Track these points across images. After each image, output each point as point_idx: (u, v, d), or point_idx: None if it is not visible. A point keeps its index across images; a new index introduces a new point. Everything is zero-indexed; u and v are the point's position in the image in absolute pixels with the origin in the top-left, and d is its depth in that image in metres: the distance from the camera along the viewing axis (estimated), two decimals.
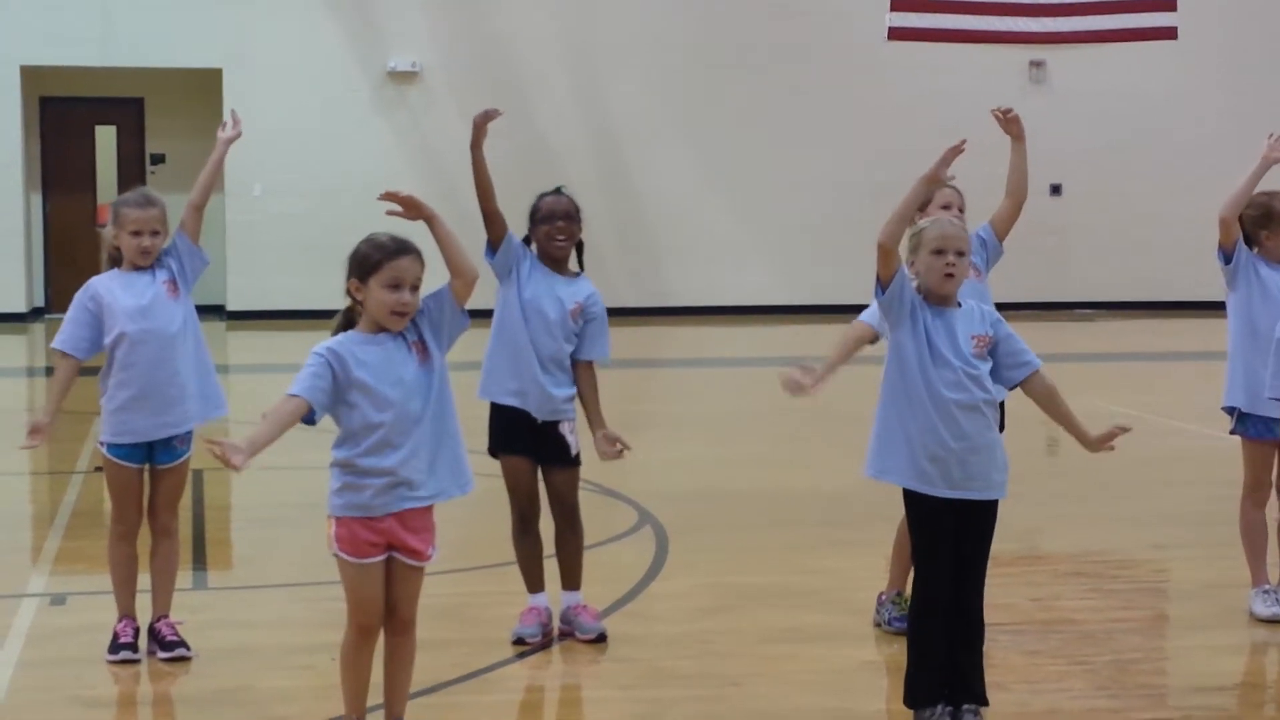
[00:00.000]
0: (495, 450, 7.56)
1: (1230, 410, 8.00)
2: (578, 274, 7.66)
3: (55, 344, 7.26)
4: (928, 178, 6.23)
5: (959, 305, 6.25)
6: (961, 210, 7.54)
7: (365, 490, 5.67)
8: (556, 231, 7.56)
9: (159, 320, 7.20)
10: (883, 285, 6.14)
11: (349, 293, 5.72)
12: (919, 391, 6.12)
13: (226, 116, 7.84)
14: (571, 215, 7.61)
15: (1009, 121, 7.84)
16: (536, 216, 7.64)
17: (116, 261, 7.31)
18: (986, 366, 6.19)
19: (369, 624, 5.78)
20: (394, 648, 5.89)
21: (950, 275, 6.19)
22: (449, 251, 5.74)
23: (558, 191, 7.73)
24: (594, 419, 7.50)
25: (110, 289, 7.23)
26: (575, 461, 7.56)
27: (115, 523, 7.34)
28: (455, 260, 5.75)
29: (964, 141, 6.35)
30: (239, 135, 7.64)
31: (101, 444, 7.31)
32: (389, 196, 5.73)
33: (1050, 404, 6.26)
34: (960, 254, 6.21)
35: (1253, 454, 7.98)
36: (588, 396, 7.55)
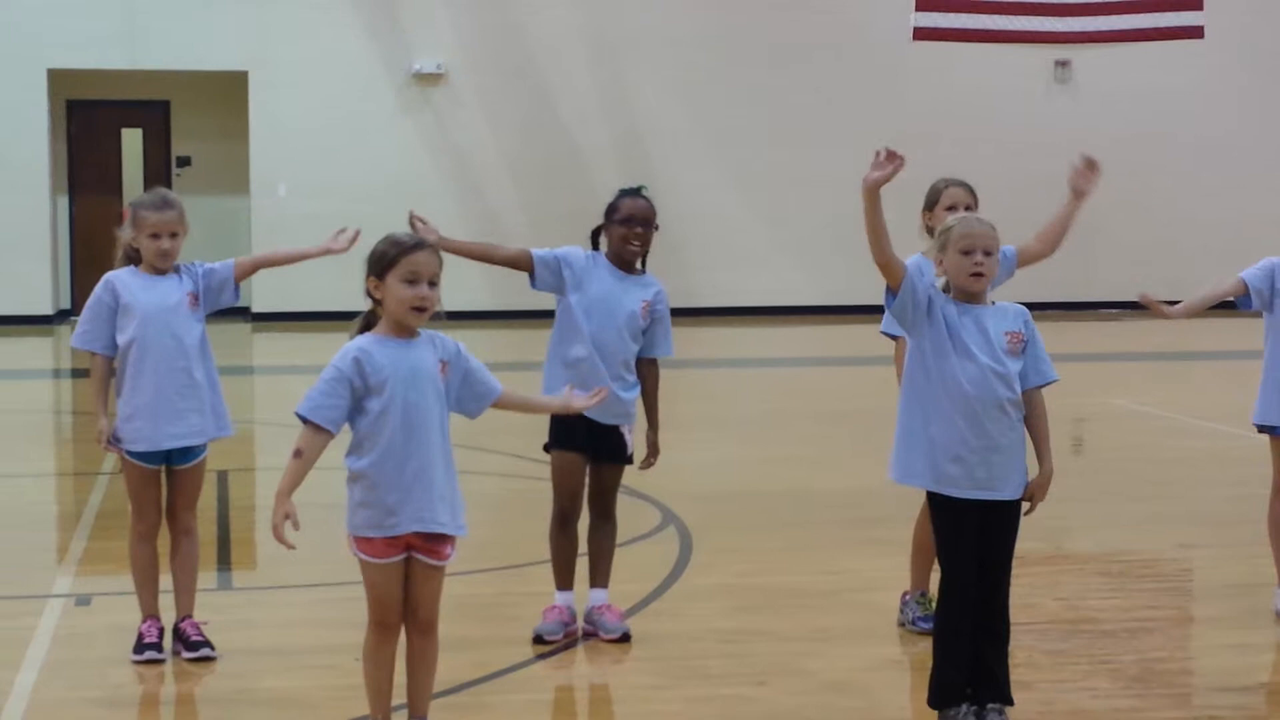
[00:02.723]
0: (551, 445, 7.51)
1: (1262, 429, 7.96)
2: (642, 272, 7.56)
3: (78, 344, 7.26)
4: (865, 185, 6.20)
5: (991, 303, 6.23)
6: (970, 208, 7.51)
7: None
8: (634, 236, 7.41)
9: (178, 327, 7.18)
10: (892, 293, 6.15)
11: (369, 293, 5.73)
12: (940, 390, 6.10)
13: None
14: (649, 221, 7.44)
15: (1085, 175, 7.55)
16: (614, 216, 7.43)
17: (131, 261, 7.28)
18: (1017, 365, 6.16)
19: (389, 622, 5.78)
20: (416, 649, 5.88)
21: (978, 275, 6.16)
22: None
23: (637, 193, 7.49)
24: (653, 420, 7.51)
25: (129, 286, 7.20)
26: (629, 460, 7.56)
27: (135, 523, 7.34)
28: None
29: (901, 160, 6.22)
30: (343, 250, 7.46)
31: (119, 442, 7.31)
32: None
33: (1035, 419, 6.19)
34: (988, 253, 6.17)
35: None
36: (651, 395, 7.57)
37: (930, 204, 7.73)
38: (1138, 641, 7.57)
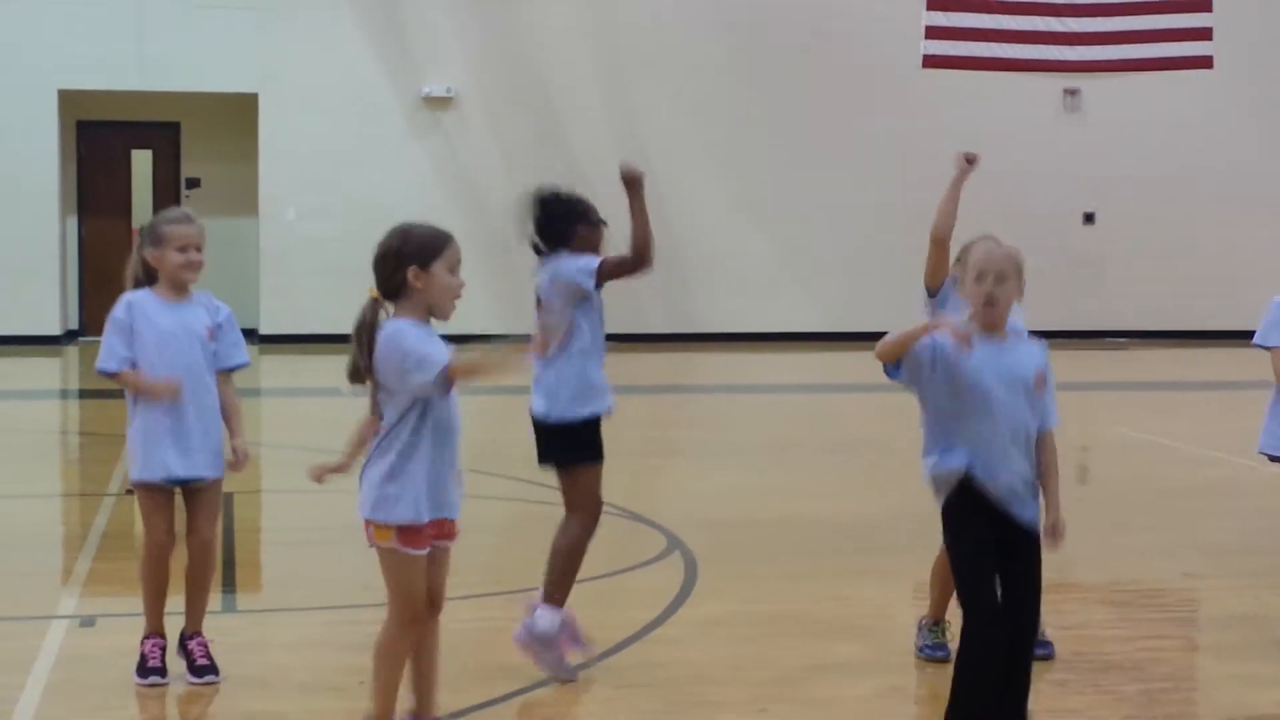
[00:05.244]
0: (590, 458, 7.47)
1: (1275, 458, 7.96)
2: None
3: (105, 367, 7.13)
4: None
5: (1007, 336, 6.13)
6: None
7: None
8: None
9: (195, 356, 7.15)
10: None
11: (406, 282, 5.73)
12: (959, 427, 6.04)
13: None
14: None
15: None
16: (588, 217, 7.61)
17: (142, 282, 7.21)
18: (1039, 404, 6.11)
19: (420, 613, 5.88)
20: (428, 634, 5.98)
21: (989, 305, 6.06)
22: None
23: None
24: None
25: (145, 309, 7.13)
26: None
27: (148, 543, 7.27)
28: None
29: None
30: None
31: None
32: None
33: (1046, 466, 6.11)
34: (1000, 279, 6.05)
35: None
36: None
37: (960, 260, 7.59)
38: (1143, 671, 7.55)
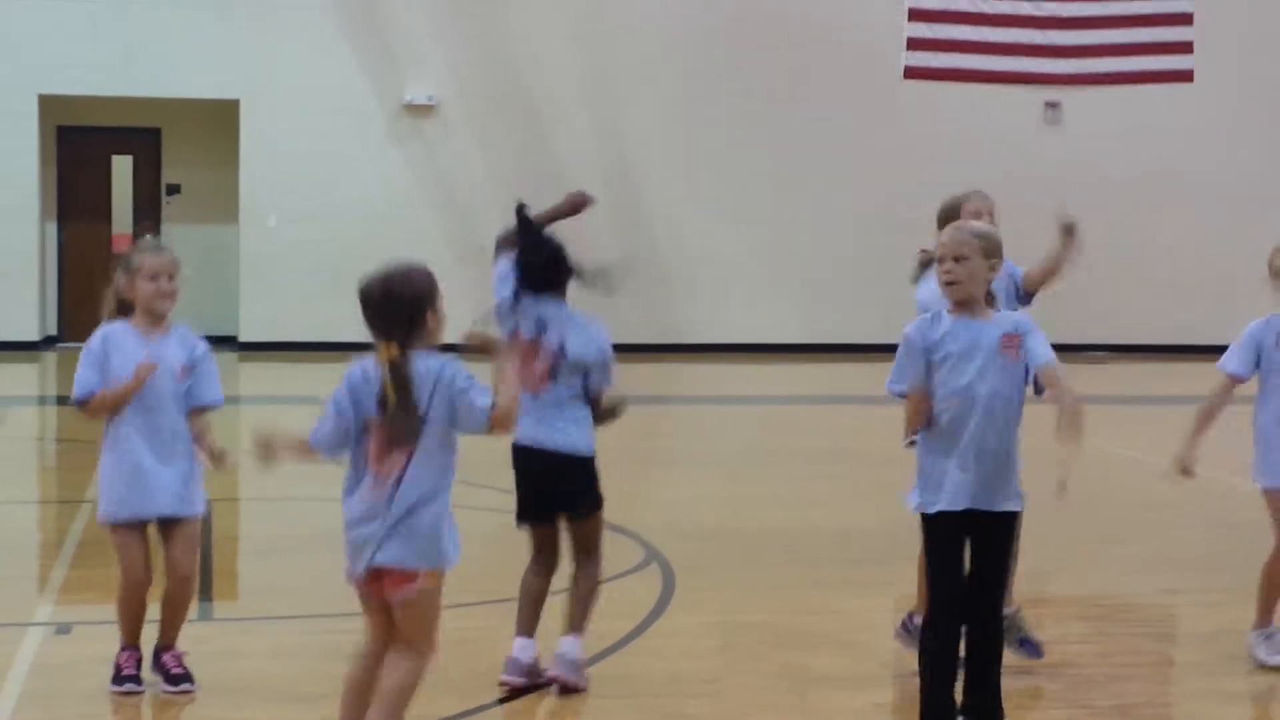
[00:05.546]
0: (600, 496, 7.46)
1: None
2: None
3: (80, 393, 7.06)
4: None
5: (988, 315, 6.28)
6: (990, 215, 7.55)
7: None
8: None
9: (166, 393, 7.06)
10: None
11: (425, 325, 5.71)
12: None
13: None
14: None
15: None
16: None
17: (119, 314, 7.17)
18: (1013, 367, 6.17)
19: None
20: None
21: (948, 283, 6.22)
22: None
23: None
24: None
25: (120, 342, 7.08)
26: None
27: (124, 582, 7.18)
28: None
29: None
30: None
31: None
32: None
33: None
34: (958, 259, 6.20)
35: None
36: None
37: (948, 218, 7.61)
38: (1117, 686, 7.57)
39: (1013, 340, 6.18)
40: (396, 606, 5.75)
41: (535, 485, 7.30)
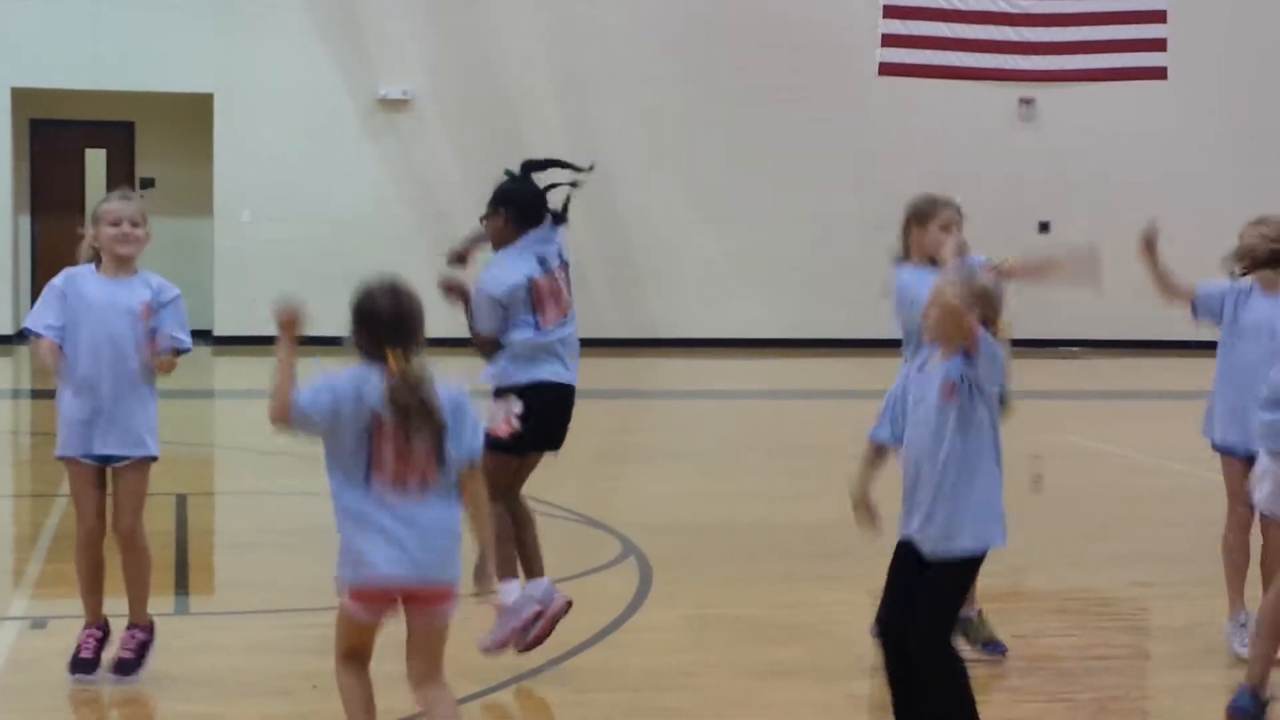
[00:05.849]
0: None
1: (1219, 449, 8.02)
2: None
3: (26, 326, 7.20)
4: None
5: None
6: (959, 226, 7.55)
7: None
8: None
9: (120, 330, 7.06)
10: None
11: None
12: None
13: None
14: None
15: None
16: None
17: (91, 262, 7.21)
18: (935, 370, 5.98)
19: None
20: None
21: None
22: None
23: None
24: None
25: (80, 281, 7.12)
26: None
27: (78, 529, 7.24)
28: None
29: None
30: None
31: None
32: None
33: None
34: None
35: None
36: None
37: (922, 218, 7.59)
38: (1094, 679, 7.59)
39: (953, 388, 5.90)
40: (424, 626, 5.37)
41: (562, 420, 7.54)
